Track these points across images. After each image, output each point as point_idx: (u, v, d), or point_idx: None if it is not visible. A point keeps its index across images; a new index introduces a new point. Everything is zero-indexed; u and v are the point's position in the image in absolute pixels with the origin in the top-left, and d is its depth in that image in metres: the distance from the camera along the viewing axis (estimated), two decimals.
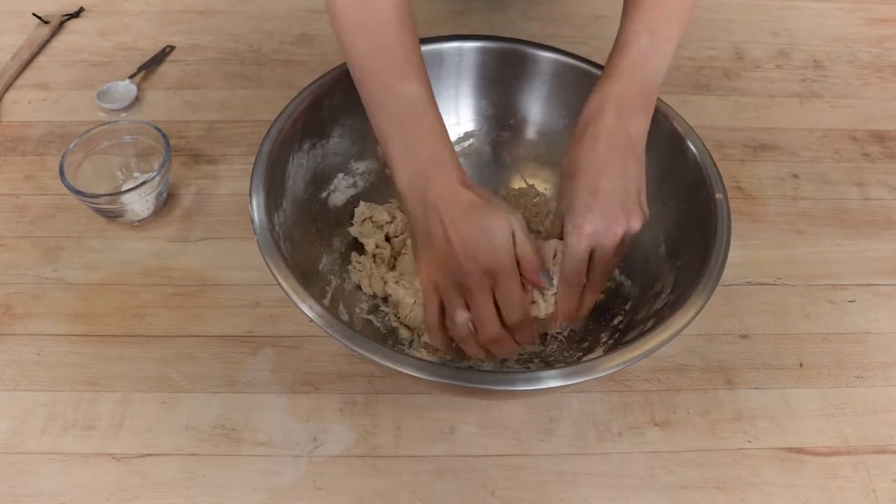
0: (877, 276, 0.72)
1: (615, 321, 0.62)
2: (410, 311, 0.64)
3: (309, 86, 0.64)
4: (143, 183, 0.70)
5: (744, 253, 0.74)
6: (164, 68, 0.90)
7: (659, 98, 0.60)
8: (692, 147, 0.62)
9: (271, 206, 0.57)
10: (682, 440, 0.60)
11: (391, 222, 0.69)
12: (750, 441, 0.61)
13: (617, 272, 0.65)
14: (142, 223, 0.73)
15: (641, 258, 0.64)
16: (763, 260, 0.73)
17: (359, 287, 0.66)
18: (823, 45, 0.98)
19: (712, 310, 0.69)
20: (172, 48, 0.92)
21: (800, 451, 0.60)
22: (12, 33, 0.93)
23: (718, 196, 0.59)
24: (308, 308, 0.51)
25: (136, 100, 0.85)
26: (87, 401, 0.61)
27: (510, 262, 0.52)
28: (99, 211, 0.71)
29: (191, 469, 0.58)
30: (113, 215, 0.71)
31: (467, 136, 0.73)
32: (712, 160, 0.61)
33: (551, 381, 0.49)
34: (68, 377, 0.62)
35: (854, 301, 0.70)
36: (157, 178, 0.70)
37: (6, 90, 0.86)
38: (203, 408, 0.61)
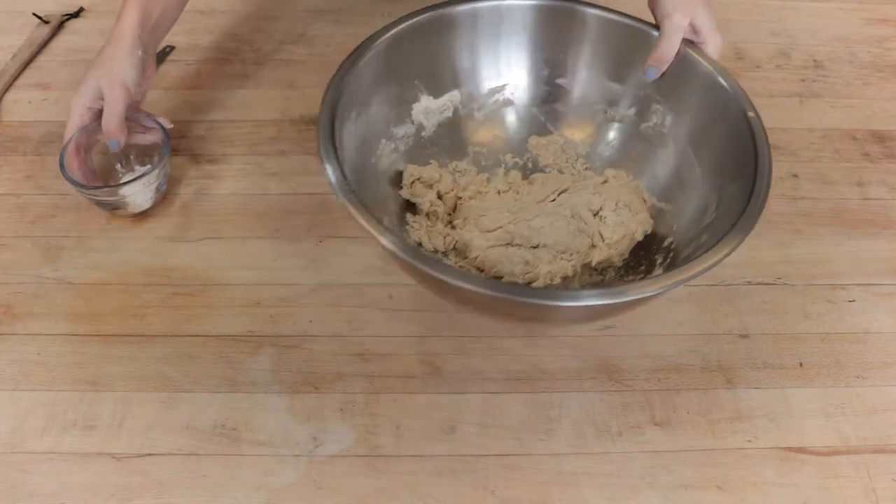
0: (877, 276, 0.72)
1: (666, 243, 0.67)
2: (482, 253, 0.67)
3: (347, 58, 0.67)
4: (143, 175, 0.70)
5: (744, 253, 0.73)
6: (164, 68, 0.90)
7: (687, 43, 0.69)
8: (721, 79, 0.67)
9: (339, 173, 0.58)
10: (682, 440, 0.61)
11: (439, 180, 0.71)
12: (750, 441, 0.61)
13: (656, 200, 0.71)
14: (143, 215, 0.73)
15: (678, 182, 0.69)
16: (763, 260, 0.73)
17: (419, 244, 0.68)
18: (823, 45, 0.98)
19: (712, 309, 0.69)
20: (172, 48, 0.92)
21: (800, 450, 0.60)
22: (12, 33, 0.93)
23: (751, 114, 0.64)
24: (388, 241, 0.54)
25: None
26: (87, 401, 0.61)
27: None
28: (100, 203, 0.72)
29: (191, 469, 0.58)
30: (113, 207, 0.72)
31: (506, 88, 0.76)
32: (742, 89, 0.66)
33: (591, 299, 0.53)
34: (68, 377, 0.62)
35: (854, 301, 0.70)
36: (157, 170, 0.71)
37: (6, 90, 0.86)
38: (203, 408, 0.61)
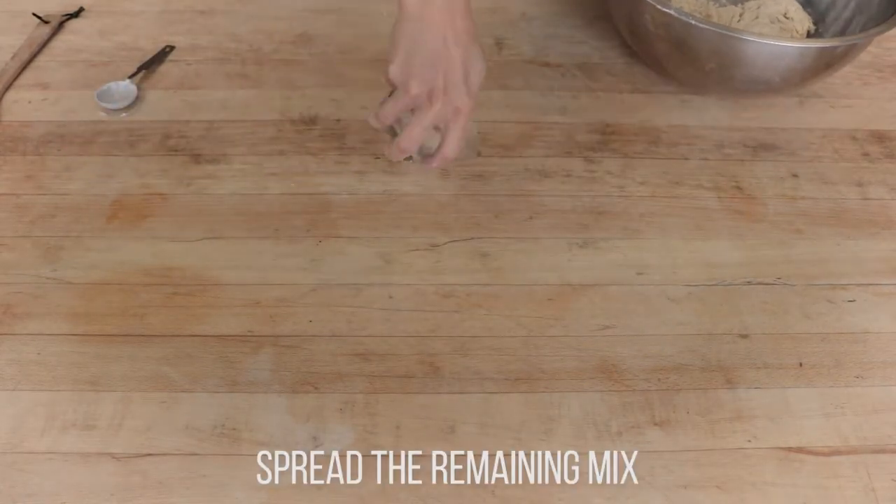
0: (877, 276, 0.72)
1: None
2: None
3: None
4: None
5: (744, 253, 0.74)
6: (164, 68, 0.90)
7: None
8: None
9: None
10: (682, 440, 0.61)
11: None
12: (750, 441, 0.61)
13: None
14: (143, 215, 0.73)
15: None
16: (763, 260, 0.73)
17: None
18: None
19: (712, 309, 0.69)
20: (172, 48, 0.92)
21: (800, 450, 0.60)
22: (12, 33, 0.93)
23: None
24: None
25: (137, 99, 0.85)
26: (87, 400, 0.61)
27: (471, 103, 0.64)
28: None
29: (191, 469, 0.58)
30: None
31: None
32: None
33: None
34: (68, 377, 0.62)
35: (854, 301, 0.70)
36: None
37: (6, 90, 0.86)
38: (203, 408, 0.61)
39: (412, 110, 0.67)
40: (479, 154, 0.78)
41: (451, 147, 0.67)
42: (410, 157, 0.72)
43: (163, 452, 0.58)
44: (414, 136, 0.67)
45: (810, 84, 0.87)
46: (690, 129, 0.86)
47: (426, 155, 0.70)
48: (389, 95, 0.67)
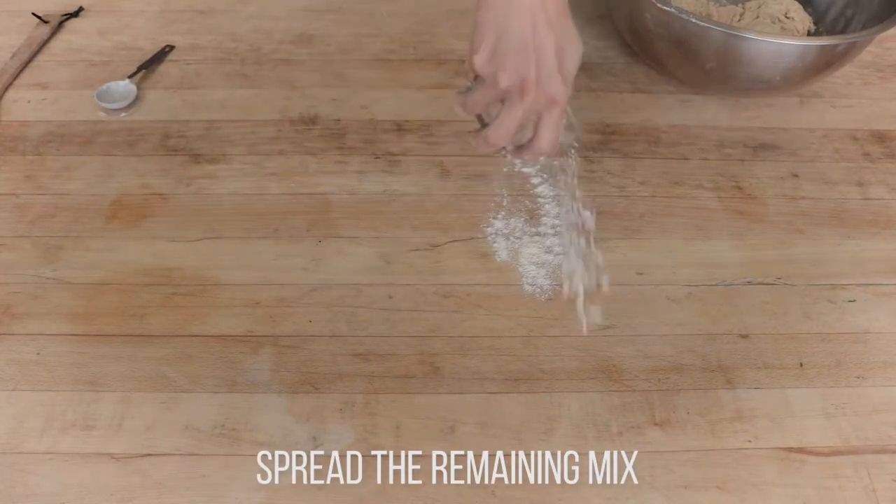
0: (877, 276, 0.72)
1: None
2: None
3: None
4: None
5: (744, 253, 0.74)
6: (163, 68, 0.90)
7: None
8: None
9: None
10: (682, 440, 0.60)
11: None
12: (750, 441, 0.61)
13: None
14: (143, 214, 0.73)
15: None
16: (763, 260, 0.73)
17: None
18: None
19: (712, 309, 0.69)
20: (172, 48, 0.92)
21: (800, 450, 0.60)
22: (12, 33, 0.93)
23: None
24: None
25: (136, 99, 0.85)
26: (86, 401, 0.61)
27: (565, 93, 0.57)
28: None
29: (191, 469, 0.58)
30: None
31: None
32: None
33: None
34: (68, 377, 0.62)
35: (854, 301, 0.70)
36: None
37: (6, 90, 0.86)
38: (203, 408, 0.61)
39: (502, 100, 0.59)
40: (578, 143, 0.69)
41: (546, 141, 0.60)
42: (503, 148, 0.64)
43: (162, 453, 0.58)
44: (504, 130, 0.59)
45: (811, 83, 0.87)
46: (690, 128, 0.86)
47: (519, 146, 0.63)
48: (474, 80, 0.60)
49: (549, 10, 0.56)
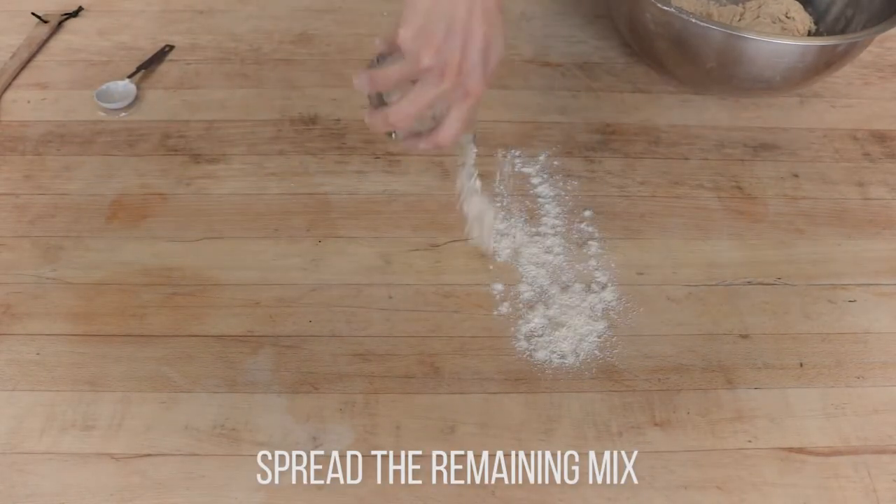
0: (877, 276, 0.72)
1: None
2: None
3: None
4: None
5: (744, 253, 0.74)
6: (163, 68, 0.90)
7: None
8: None
9: None
10: (682, 440, 0.60)
11: None
12: (750, 441, 0.61)
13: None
14: (143, 214, 0.73)
15: None
16: (763, 260, 0.73)
17: None
18: None
19: (712, 309, 0.69)
20: (172, 47, 0.92)
21: (800, 451, 0.60)
22: (11, 33, 0.93)
23: None
24: None
25: (136, 99, 0.85)
26: (86, 401, 0.61)
27: (484, 88, 0.55)
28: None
29: (191, 469, 0.58)
30: None
31: None
32: None
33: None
34: (67, 377, 0.62)
35: (854, 301, 0.70)
36: None
37: (5, 90, 0.86)
38: (203, 408, 0.61)
39: (413, 81, 0.56)
40: (475, 148, 0.65)
41: (449, 133, 0.57)
42: (392, 133, 0.60)
43: (162, 453, 0.58)
44: (409, 111, 0.56)
45: (811, 83, 0.87)
46: (691, 128, 0.86)
47: (413, 133, 0.59)
48: (383, 57, 0.57)
49: (488, 1, 0.54)
